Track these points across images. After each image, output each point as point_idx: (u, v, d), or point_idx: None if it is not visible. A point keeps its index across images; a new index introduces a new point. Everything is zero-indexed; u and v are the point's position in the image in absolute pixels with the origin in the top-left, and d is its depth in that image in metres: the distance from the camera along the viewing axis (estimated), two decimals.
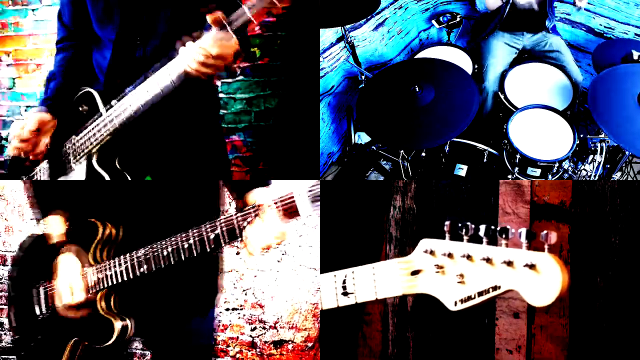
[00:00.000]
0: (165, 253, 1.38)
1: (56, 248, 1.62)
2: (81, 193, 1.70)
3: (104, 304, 1.55)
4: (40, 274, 1.66)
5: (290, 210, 1.23)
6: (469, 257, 0.92)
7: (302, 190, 1.20)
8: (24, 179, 1.95)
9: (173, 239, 1.38)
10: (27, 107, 3.12)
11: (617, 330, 1.87)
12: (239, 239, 1.32)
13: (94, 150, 1.73)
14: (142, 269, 1.44)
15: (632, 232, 1.85)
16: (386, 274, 1.07)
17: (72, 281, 1.57)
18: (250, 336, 2.67)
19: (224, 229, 1.31)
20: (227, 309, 2.68)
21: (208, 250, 1.32)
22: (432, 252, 0.98)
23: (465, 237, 0.94)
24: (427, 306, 2.16)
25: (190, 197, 1.66)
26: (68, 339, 1.61)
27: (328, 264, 2.00)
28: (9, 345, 2.95)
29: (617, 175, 2.79)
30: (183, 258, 1.35)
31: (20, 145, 1.77)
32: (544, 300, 0.83)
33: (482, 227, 0.92)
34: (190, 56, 1.52)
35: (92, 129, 1.73)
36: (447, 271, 0.96)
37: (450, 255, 0.95)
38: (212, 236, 1.30)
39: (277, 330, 2.63)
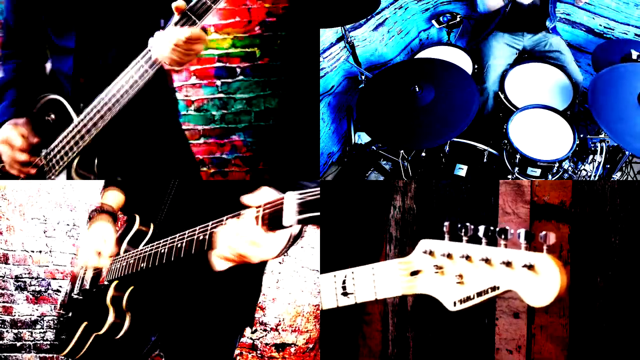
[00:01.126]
0: (162, 251, 1.39)
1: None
2: None
3: (117, 293, 1.55)
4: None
5: (273, 217, 1.06)
6: (467, 257, 0.93)
7: (291, 198, 1.02)
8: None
9: (171, 238, 1.38)
10: None
11: (617, 330, 1.87)
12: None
13: (74, 161, 1.69)
14: (142, 265, 1.46)
15: (632, 232, 1.85)
16: (386, 274, 1.07)
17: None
18: (251, 338, 2.67)
19: (204, 234, 1.23)
20: None
21: (192, 253, 1.25)
22: (431, 253, 0.98)
23: (464, 238, 0.94)
24: (427, 306, 2.16)
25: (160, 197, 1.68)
26: (82, 322, 1.66)
27: (328, 264, 2.00)
28: (11, 342, 2.95)
29: (617, 175, 2.79)
30: (180, 256, 1.32)
31: (22, 169, 1.72)
32: (543, 301, 0.83)
33: (481, 228, 0.92)
34: (162, 44, 1.49)
35: (67, 138, 1.67)
36: (447, 271, 0.96)
37: (449, 256, 0.96)
38: (201, 237, 1.24)
39: (279, 333, 2.63)
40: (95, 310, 1.59)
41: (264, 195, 1.13)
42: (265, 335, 2.64)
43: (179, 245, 1.30)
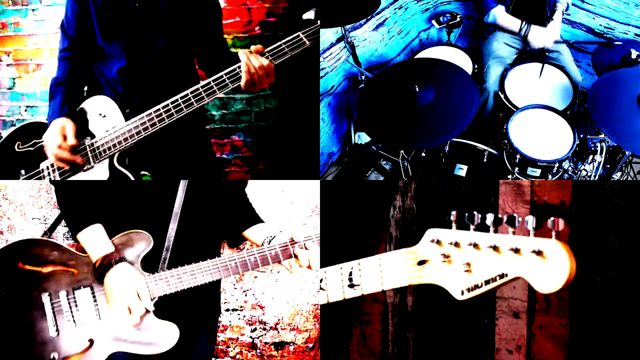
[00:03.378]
0: (233, 264, 1.65)
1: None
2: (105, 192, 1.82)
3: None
4: None
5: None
6: (475, 245, 0.92)
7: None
8: (22, 177, 2.00)
9: (230, 257, 1.64)
10: (27, 107, 3.12)
11: (617, 330, 1.87)
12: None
13: (116, 153, 1.92)
14: (207, 277, 1.64)
15: (632, 232, 1.85)
16: (393, 264, 1.07)
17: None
18: (251, 337, 2.67)
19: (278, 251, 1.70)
20: (227, 310, 2.68)
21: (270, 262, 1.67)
22: (438, 242, 0.98)
23: (471, 227, 0.94)
24: (427, 306, 2.16)
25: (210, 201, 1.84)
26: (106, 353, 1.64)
27: (328, 264, 2.00)
28: None
29: (617, 175, 2.79)
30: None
31: (70, 157, 1.92)
32: (552, 287, 0.82)
33: (490, 216, 0.91)
34: (251, 62, 1.77)
35: (115, 134, 1.91)
36: (454, 260, 0.95)
37: (456, 244, 0.95)
38: (273, 253, 1.69)
39: (278, 332, 2.63)
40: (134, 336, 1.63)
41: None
42: (265, 334, 2.64)
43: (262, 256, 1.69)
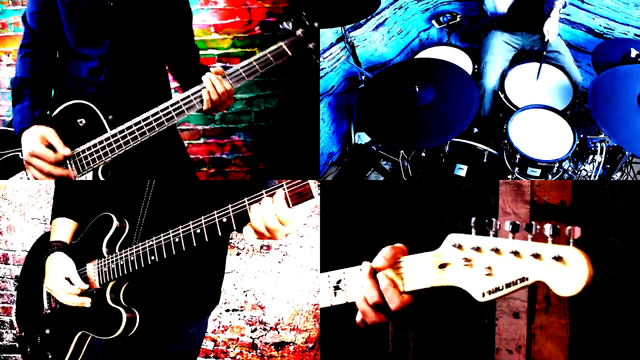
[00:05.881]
0: (177, 240, 1.41)
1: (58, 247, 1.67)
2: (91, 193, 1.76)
3: (113, 295, 1.58)
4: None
5: (302, 192, 1.23)
6: (497, 250, 0.96)
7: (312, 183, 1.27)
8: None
9: (184, 226, 1.40)
10: None
11: (617, 330, 1.87)
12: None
13: (101, 164, 1.78)
14: (152, 257, 1.47)
15: (632, 232, 1.85)
16: (416, 267, 1.10)
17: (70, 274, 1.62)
18: (251, 337, 2.67)
19: (236, 212, 1.32)
20: (227, 310, 2.68)
21: (219, 234, 1.34)
22: (460, 247, 1.01)
23: (491, 232, 0.98)
24: (427, 306, 2.16)
25: (179, 196, 1.72)
26: (75, 333, 1.65)
27: (328, 264, 2.01)
28: (10, 343, 2.95)
29: (617, 175, 2.79)
30: (194, 244, 1.38)
31: (61, 173, 1.78)
32: (571, 290, 0.90)
33: (508, 223, 0.97)
34: (212, 86, 1.72)
35: (101, 144, 1.77)
36: (475, 264, 0.99)
37: (478, 249, 0.99)
38: (224, 220, 1.32)
39: (278, 332, 2.63)
40: (93, 317, 1.61)
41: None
42: (265, 335, 2.64)
43: (198, 231, 1.36)
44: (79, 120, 1.79)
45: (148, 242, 1.49)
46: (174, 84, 2.22)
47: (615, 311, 1.86)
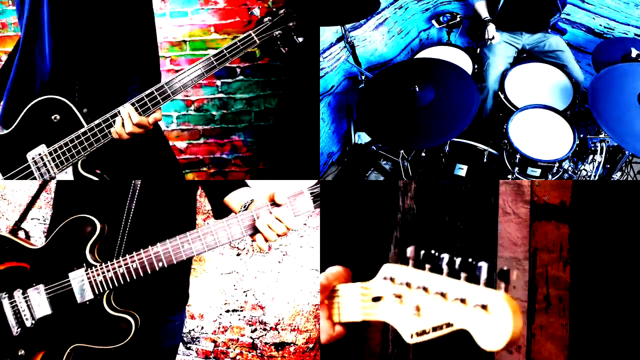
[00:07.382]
0: (186, 246, 1.42)
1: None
2: (69, 194, 1.72)
3: (109, 303, 1.53)
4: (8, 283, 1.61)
5: (300, 206, 1.36)
6: (425, 289, 0.86)
7: (304, 188, 1.34)
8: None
9: (186, 238, 1.41)
10: None
11: (617, 330, 1.87)
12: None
13: (80, 159, 1.74)
14: (160, 264, 1.46)
15: (632, 232, 1.85)
16: (350, 297, 1.02)
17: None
18: (251, 338, 2.67)
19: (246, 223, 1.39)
20: (227, 311, 2.68)
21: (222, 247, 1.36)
22: (392, 279, 0.92)
23: (427, 266, 0.87)
24: None
25: (166, 198, 1.70)
26: (66, 347, 1.56)
27: (328, 264, 2.01)
28: None
29: (617, 175, 2.79)
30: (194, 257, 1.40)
31: None
32: (495, 345, 0.77)
33: (445, 257, 0.84)
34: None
35: (78, 139, 1.72)
36: (405, 301, 0.90)
37: (408, 285, 0.89)
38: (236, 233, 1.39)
39: (278, 332, 2.63)
40: (89, 329, 1.54)
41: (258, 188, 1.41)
42: (265, 335, 2.64)
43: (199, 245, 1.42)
44: (52, 117, 1.74)
45: (145, 252, 1.46)
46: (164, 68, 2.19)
47: (615, 311, 1.86)
